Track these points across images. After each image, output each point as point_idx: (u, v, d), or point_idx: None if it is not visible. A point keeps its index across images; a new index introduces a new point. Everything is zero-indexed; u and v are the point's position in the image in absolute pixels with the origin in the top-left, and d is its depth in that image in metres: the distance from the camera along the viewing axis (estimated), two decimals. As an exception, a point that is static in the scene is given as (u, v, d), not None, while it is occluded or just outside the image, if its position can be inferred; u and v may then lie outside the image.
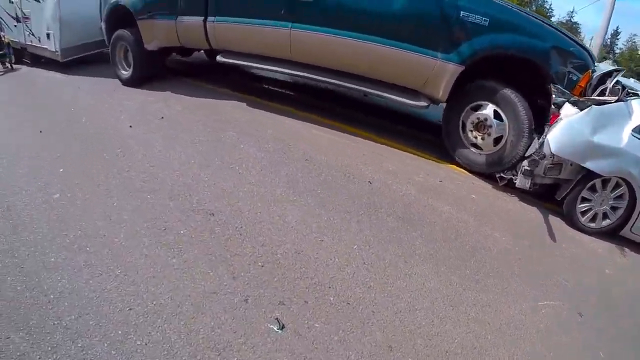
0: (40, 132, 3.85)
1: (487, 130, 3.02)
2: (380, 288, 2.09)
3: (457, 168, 3.38)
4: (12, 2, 6.22)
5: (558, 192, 2.92)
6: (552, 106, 2.80)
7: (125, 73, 5.08)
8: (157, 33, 4.58)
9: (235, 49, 4.17)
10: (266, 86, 5.41)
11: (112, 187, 2.79)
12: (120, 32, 4.91)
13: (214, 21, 4.10)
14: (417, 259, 2.34)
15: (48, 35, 5.79)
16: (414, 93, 3.29)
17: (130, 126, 3.84)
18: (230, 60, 4.16)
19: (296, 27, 3.55)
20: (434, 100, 3.29)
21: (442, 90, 3.09)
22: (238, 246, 2.25)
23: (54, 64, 6.07)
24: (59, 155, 3.35)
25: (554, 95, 2.82)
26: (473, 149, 3.20)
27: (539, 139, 2.80)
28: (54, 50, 5.81)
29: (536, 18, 3.15)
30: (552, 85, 2.85)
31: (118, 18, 4.93)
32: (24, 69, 6.52)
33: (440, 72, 3.04)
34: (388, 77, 3.33)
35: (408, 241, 2.46)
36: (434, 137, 3.95)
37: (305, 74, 3.70)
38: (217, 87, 5.08)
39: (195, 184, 2.82)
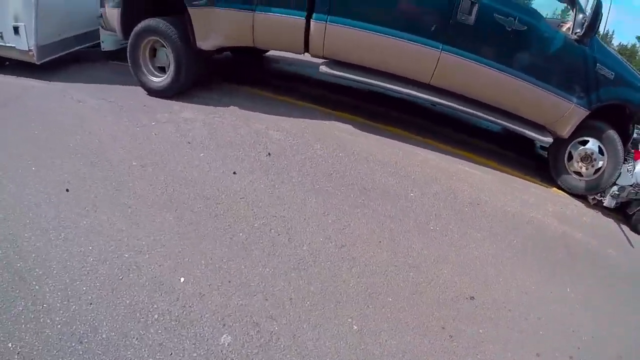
0: (67, 190, 2.43)
1: (592, 162, 3.39)
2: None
3: (559, 191, 3.61)
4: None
5: (629, 208, 3.47)
6: (631, 143, 3.47)
7: (158, 80, 3.58)
8: (219, 27, 3.21)
9: (347, 60, 3.13)
10: (345, 97, 4.29)
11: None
12: (150, 22, 3.38)
13: (325, 21, 2.98)
14: (615, 302, 2.50)
15: (16, 29, 4.00)
16: (540, 128, 3.47)
17: (235, 173, 2.56)
18: (340, 74, 3.14)
19: (448, 51, 3.13)
20: (556, 136, 3.50)
21: (567, 129, 3.36)
22: (538, 334, 2.05)
23: (25, 68, 4.23)
24: (146, 246, 2.05)
25: (635, 134, 3.48)
26: (575, 176, 3.54)
27: (628, 170, 3.38)
28: (25, 48, 4.05)
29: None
30: (636, 126, 3.46)
31: (145, 1, 3.39)
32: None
33: (573, 114, 3.29)
34: (523, 112, 3.42)
35: (605, 283, 2.64)
36: (516, 155, 4.17)
37: (442, 101, 3.36)
38: (288, 98, 3.87)
39: (416, 260, 2.19)
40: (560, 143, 3.51)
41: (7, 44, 4.19)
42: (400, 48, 3.06)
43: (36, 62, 4.15)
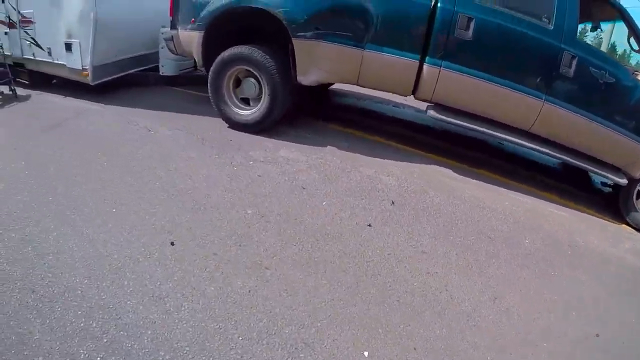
0: (173, 244, 2.08)
1: None
2: None
3: (627, 227, 3.73)
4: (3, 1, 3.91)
5: None
6: None
7: (246, 113, 3.31)
8: (324, 62, 3.03)
9: (453, 105, 3.10)
10: (428, 137, 4.24)
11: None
12: (243, 50, 3.13)
13: (439, 66, 2.90)
14: None
15: (68, 45, 3.66)
16: (616, 170, 3.65)
17: (370, 225, 2.33)
18: (449, 119, 3.08)
19: (549, 101, 3.20)
20: (629, 177, 3.68)
21: None
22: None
23: (74, 88, 3.86)
24: (307, 317, 1.78)
25: None
26: (641, 214, 3.75)
27: None
28: (78, 67, 3.69)
29: None
30: None
31: (235, 27, 3.17)
32: (32, 96, 4.04)
33: None
34: (606, 156, 3.58)
35: None
36: (585, 193, 4.25)
37: (539, 148, 3.44)
38: (379, 138, 3.73)
39: (551, 305, 2.25)
40: (630, 183, 3.74)
41: (56, 61, 3.85)
42: (507, 96, 3.09)
43: (90, 83, 3.78)
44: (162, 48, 4.65)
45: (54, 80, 4.15)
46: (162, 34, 4.52)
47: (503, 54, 3.07)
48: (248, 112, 3.28)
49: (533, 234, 2.92)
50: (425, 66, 2.92)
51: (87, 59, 3.68)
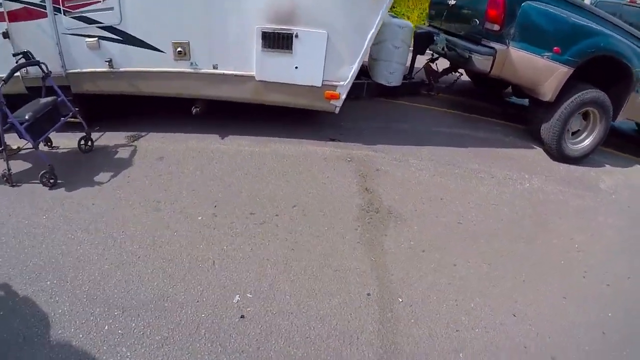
0: None
1: None
2: None
3: None
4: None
5: None
6: None
7: (579, 147, 3.79)
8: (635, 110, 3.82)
9: None
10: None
11: None
12: (600, 95, 3.55)
13: None
14: None
15: (284, 39, 2.44)
16: None
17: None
18: None
19: None
20: None
21: None
22: None
23: (213, 119, 2.86)
24: None
25: None
26: None
27: None
28: (314, 82, 2.48)
29: None
30: None
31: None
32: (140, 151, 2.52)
33: None
34: None
35: None
36: None
37: None
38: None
39: None
40: None
41: (214, 70, 2.47)
42: None
43: (335, 110, 2.66)
44: (397, 48, 3.67)
45: (196, 109, 2.65)
46: (436, 39, 3.88)
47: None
48: (580, 145, 3.78)
49: None
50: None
51: (349, 67, 2.42)
